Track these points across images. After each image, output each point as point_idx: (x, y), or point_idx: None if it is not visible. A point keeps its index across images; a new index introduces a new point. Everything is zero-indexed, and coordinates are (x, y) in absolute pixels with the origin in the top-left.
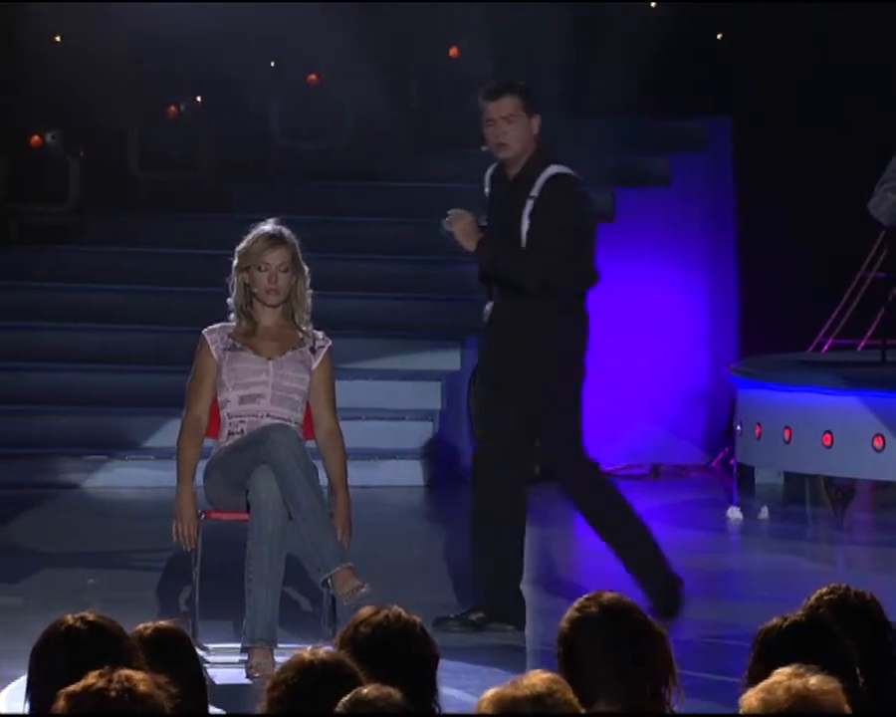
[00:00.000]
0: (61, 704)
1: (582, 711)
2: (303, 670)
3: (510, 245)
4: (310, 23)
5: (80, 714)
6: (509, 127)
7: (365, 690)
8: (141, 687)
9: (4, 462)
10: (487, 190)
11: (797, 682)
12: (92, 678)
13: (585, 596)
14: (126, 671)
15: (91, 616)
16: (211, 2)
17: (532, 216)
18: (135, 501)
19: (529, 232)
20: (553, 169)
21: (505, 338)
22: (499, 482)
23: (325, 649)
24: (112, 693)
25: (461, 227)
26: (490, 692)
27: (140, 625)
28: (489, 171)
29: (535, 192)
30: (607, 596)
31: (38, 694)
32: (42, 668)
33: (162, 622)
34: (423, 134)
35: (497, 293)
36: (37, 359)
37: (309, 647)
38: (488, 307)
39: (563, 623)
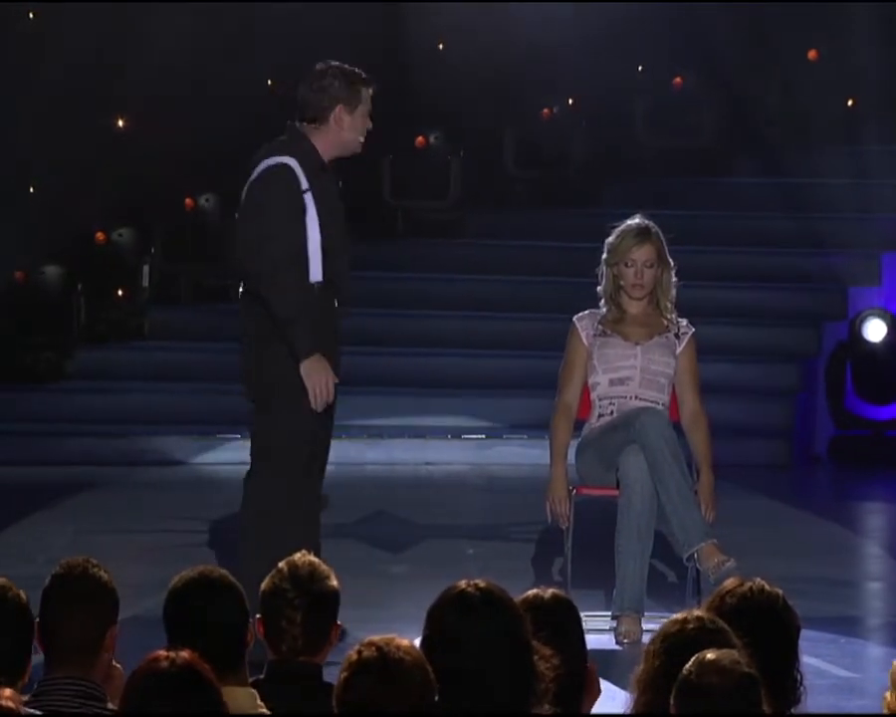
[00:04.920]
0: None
1: None
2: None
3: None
4: (680, 23)
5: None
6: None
7: (708, 654)
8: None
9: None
10: (307, 185)
11: None
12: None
13: None
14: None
15: (482, 583)
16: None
17: None
18: (511, 478)
19: None
20: None
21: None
22: None
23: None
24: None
25: (321, 386)
26: None
27: (531, 591)
28: (294, 165)
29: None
30: None
31: (429, 653)
32: (435, 628)
33: (553, 590)
34: (786, 133)
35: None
36: (430, 345)
37: (674, 616)
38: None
39: None
